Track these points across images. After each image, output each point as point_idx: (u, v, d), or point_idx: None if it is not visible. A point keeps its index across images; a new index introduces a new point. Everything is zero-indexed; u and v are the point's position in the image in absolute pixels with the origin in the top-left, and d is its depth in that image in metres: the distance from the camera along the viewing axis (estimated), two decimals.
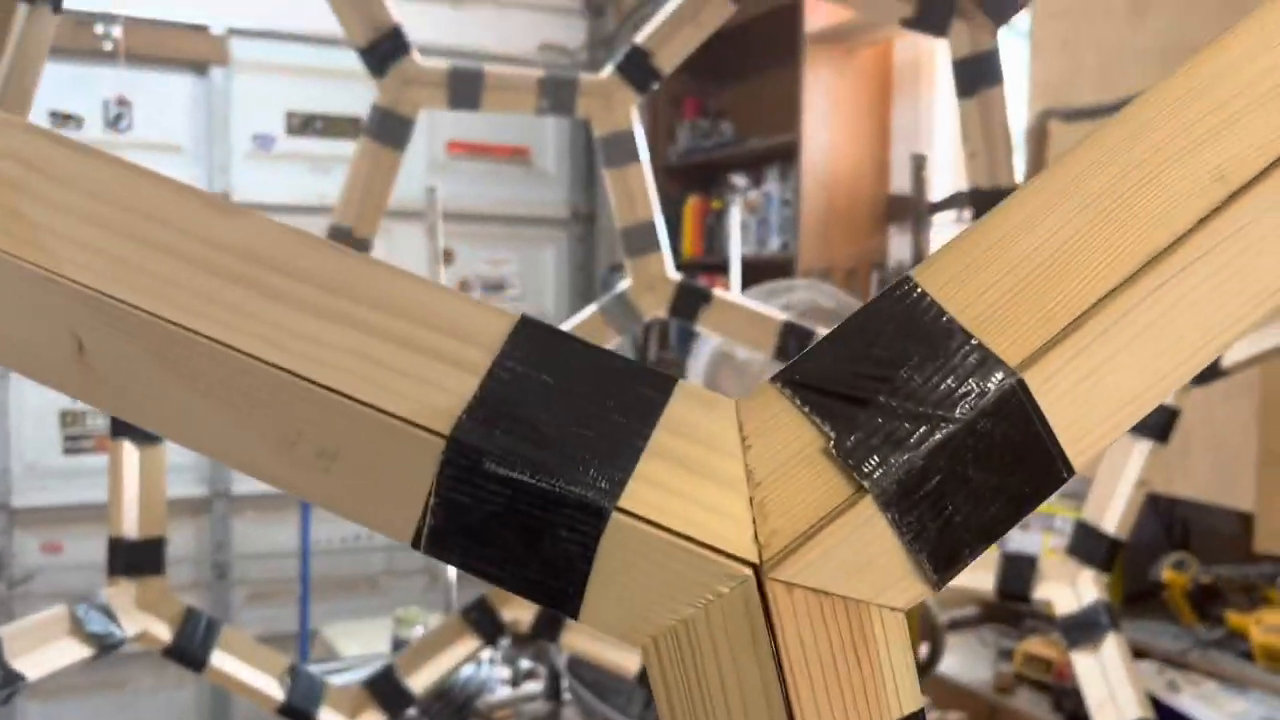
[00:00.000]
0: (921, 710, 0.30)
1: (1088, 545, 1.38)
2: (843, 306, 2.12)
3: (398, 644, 2.17)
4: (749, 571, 0.28)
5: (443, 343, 0.31)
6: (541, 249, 3.96)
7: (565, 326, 1.39)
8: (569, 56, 3.93)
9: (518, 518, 0.29)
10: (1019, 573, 1.39)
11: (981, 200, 1.52)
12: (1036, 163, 2.35)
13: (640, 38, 1.55)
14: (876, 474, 0.28)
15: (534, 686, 1.88)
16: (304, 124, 3.49)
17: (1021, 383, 0.29)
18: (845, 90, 3.19)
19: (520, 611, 1.50)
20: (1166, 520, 2.30)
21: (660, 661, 0.30)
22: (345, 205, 1.45)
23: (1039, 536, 2.10)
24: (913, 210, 3.01)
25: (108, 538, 1.22)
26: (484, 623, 1.47)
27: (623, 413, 0.30)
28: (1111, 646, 1.31)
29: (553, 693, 1.83)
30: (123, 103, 3.21)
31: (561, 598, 0.30)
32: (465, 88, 1.50)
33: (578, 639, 1.54)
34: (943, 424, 0.28)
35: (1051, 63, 2.40)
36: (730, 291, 2.31)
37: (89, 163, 0.33)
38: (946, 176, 3.18)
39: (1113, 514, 1.36)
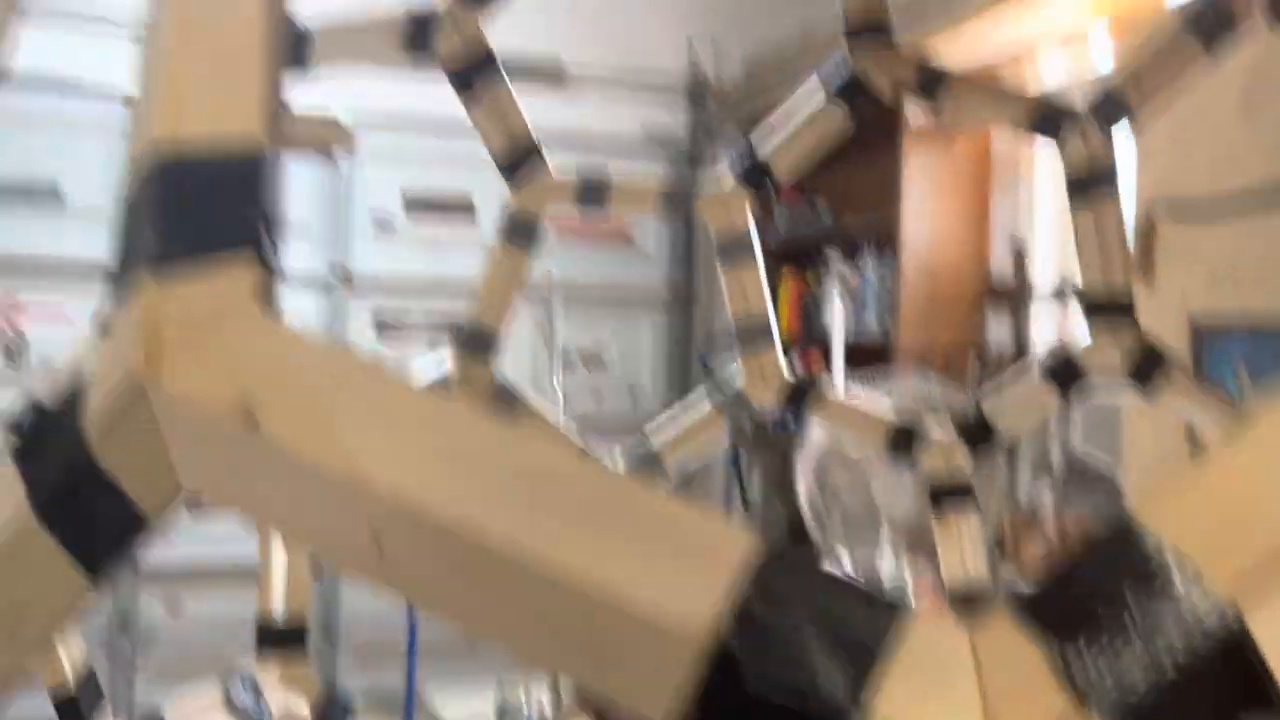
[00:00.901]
0: None
1: None
2: (949, 401, 2.13)
3: (503, 710, 2.21)
4: None
5: (694, 560, 0.35)
6: (639, 325, 4.03)
7: (675, 412, 1.45)
8: (671, 138, 4.03)
9: None
10: None
11: (1096, 306, 1.53)
12: (1144, 258, 2.34)
13: (763, 151, 1.60)
14: (1104, 703, 0.31)
15: None
16: (421, 205, 3.65)
17: (1239, 617, 0.32)
18: (944, 175, 3.22)
19: None
20: None
21: None
22: (481, 301, 1.53)
23: None
24: (1013, 295, 3.00)
25: (256, 615, 1.29)
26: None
27: (864, 635, 0.33)
28: None
29: None
30: None
31: None
32: (593, 196, 1.57)
33: None
34: (1165, 655, 0.31)
35: (1159, 157, 2.40)
36: (835, 377, 2.34)
37: (391, 385, 0.39)
38: (1046, 262, 3.17)
39: None
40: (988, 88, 1.34)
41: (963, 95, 1.41)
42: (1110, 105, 1.42)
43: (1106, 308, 1.54)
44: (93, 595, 0.44)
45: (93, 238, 3.49)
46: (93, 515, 0.41)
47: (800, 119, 1.49)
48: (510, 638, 0.37)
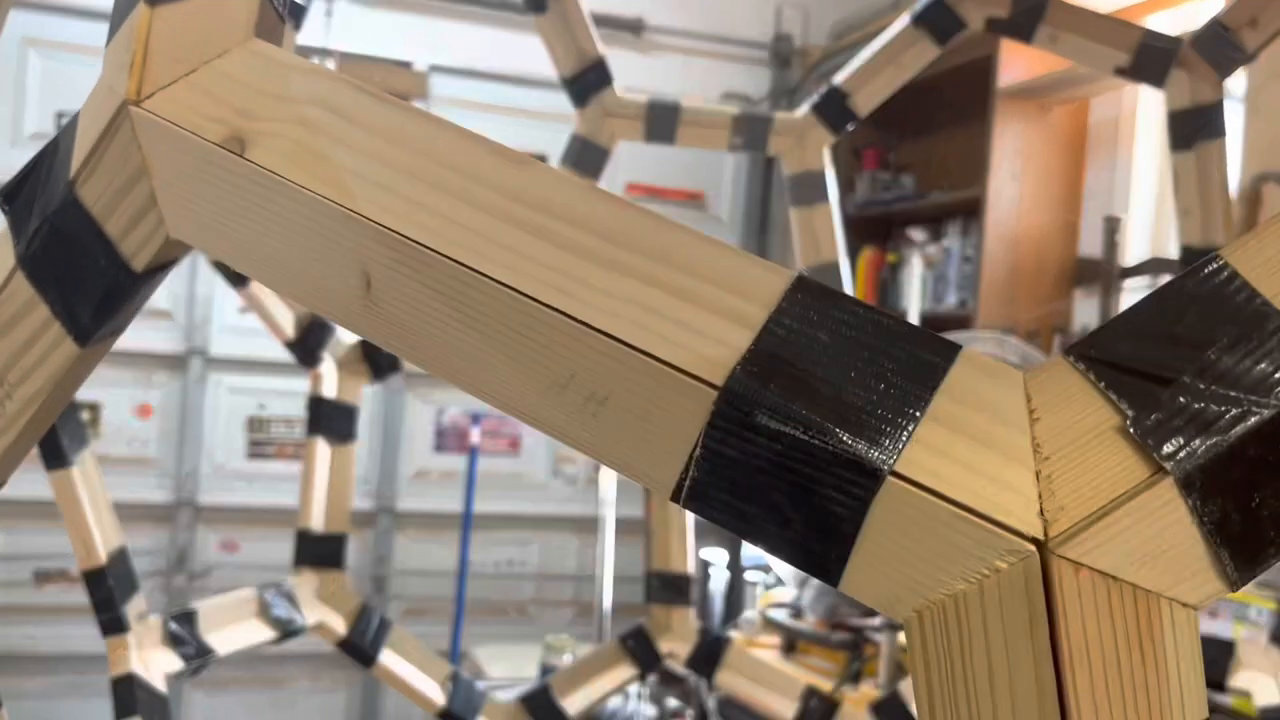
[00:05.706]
0: None
1: None
2: (1028, 361, 2.04)
3: (546, 670, 2.19)
4: (1032, 548, 0.26)
5: (719, 296, 0.31)
6: None
7: None
8: (750, 105, 3.97)
9: (786, 475, 0.29)
10: (1216, 659, 1.30)
11: (1193, 260, 1.44)
12: (1249, 227, 2.21)
13: (839, 78, 1.54)
14: (1178, 456, 0.26)
15: None
16: None
17: None
18: (1036, 147, 3.10)
19: (678, 644, 1.49)
20: None
21: (923, 636, 0.28)
22: None
23: (1230, 625, 1.95)
24: (1103, 274, 2.88)
25: (295, 530, 1.28)
26: (641, 651, 1.47)
27: (902, 375, 0.29)
28: None
29: None
30: None
31: (823, 562, 0.29)
32: (662, 121, 1.52)
33: (733, 679, 1.51)
34: (1256, 408, 0.26)
35: (1269, 125, 2.27)
36: None
37: (388, 111, 0.35)
38: (1141, 241, 3.04)
39: None
40: (1091, 15, 1.27)
41: (1063, 26, 1.34)
42: (1224, 43, 1.33)
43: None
44: (85, 364, 0.41)
45: None
46: (76, 264, 0.38)
47: (880, 44, 1.43)
48: (503, 390, 0.33)
